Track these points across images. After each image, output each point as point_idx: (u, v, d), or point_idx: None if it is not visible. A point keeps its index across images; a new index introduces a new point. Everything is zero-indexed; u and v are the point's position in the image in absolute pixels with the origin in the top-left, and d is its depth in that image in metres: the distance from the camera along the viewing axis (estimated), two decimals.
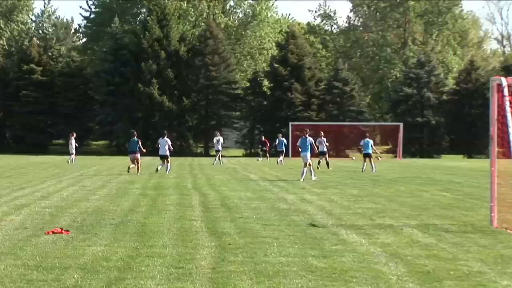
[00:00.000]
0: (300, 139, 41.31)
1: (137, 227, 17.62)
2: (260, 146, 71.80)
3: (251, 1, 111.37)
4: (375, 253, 14.07)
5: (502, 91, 18.42)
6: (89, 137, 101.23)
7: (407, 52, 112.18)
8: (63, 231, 16.62)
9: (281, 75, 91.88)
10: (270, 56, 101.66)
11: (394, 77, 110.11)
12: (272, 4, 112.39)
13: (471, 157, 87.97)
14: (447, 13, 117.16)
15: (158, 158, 44.09)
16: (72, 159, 56.60)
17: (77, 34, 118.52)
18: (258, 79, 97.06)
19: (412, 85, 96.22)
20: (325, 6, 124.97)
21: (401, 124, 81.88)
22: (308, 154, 37.66)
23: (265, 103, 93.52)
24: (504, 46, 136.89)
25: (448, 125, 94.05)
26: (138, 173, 40.81)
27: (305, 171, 37.32)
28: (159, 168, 42.76)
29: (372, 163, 47.12)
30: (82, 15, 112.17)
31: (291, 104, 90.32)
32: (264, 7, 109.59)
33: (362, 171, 46.03)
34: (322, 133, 52.10)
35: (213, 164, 56.14)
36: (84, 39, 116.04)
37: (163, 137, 43.58)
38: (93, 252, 13.90)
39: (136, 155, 41.98)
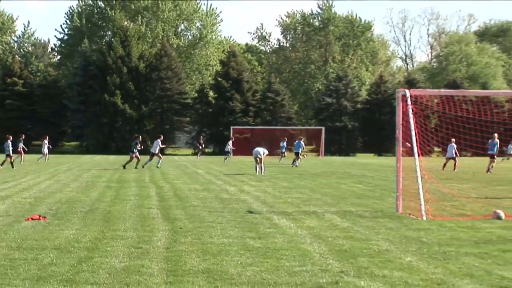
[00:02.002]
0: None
1: (103, 214, 17.49)
2: (199, 145, 72.24)
3: (199, 26, 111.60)
4: (301, 235, 14.11)
5: (406, 100, 18.63)
6: (63, 139, 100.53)
7: (328, 69, 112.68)
8: (41, 217, 16.47)
9: (223, 87, 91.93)
10: (215, 71, 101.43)
11: (317, 89, 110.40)
12: (216, 28, 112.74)
13: (380, 155, 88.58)
14: (360, 37, 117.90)
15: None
16: (46, 158, 56.02)
17: (53, 53, 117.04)
18: (205, 90, 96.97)
19: (332, 95, 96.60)
20: (262, 29, 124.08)
21: (323, 128, 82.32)
22: (265, 152, 38.06)
23: (210, 110, 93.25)
24: (407, 64, 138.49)
25: (362, 129, 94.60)
26: (138, 166, 42.42)
27: (262, 167, 37.47)
28: (158, 164, 44.09)
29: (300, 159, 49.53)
30: (56, 37, 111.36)
31: (232, 111, 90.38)
32: (209, 31, 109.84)
33: (297, 166, 47.71)
34: (302, 138, 52.70)
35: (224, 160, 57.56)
36: (59, 57, 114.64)
37: (157, 139, 44.73)
38: (66, 235, 13.77)
39: (135, 154, 43.33)
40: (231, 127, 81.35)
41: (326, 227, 15.48)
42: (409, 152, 18.99)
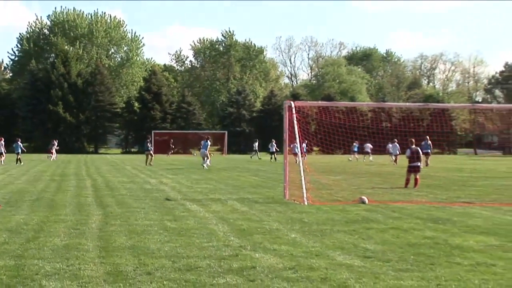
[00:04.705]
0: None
1: (48, 202, 17.11)
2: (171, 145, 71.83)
3: (126, 50, 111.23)
4: (209, 217, 14.11)
5: (292, 110, 18.86)
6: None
7: (229, 84, 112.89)
8: None
9: (146, 99, 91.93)
10: (139, 87, 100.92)
11: (221, 101, 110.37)
12: (140, 52, 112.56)
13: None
14: (255, 59, 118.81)
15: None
16: (54, 157, 54.02)
17: (6, 70, 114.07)
18: (131, 101, 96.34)
19: (233, 106, 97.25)
20: (180, 52, 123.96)
21: (226, 132, 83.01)
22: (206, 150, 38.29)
23: (135, 118, 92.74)
24: (292, 81, 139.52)
25: (257, 132, 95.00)
26: (151, 164, 41.76)
27: (207, 163, 37.83)
28: (204, 165, 39.73)
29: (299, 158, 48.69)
30: (9, 57, 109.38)
31: (153, 118, 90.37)
32: (134, 54, 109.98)
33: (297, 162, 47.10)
34: (274, 140, 53.49)
35: (250, 157, 58.98)
36: (11, 74, 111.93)
37: (205, 141, 41.97)
38: (17, 219, 13.42)
39: (149, 151, 43.21)
40: (153, 131, 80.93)
41: (229, 211, 15.52)
42: (294, 151, 19.25)
